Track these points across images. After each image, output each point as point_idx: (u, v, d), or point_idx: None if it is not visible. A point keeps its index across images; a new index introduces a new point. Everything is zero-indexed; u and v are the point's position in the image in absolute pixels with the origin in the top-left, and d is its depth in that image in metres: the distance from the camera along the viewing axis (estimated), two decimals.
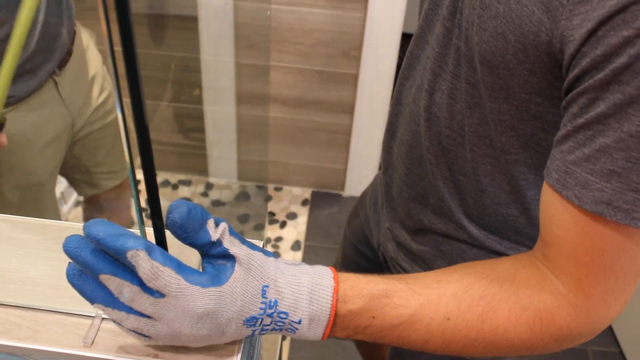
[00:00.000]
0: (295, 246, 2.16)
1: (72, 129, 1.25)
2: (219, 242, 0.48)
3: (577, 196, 0.51)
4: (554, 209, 0.54)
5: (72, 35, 1.16)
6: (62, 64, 1.14)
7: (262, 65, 2.06)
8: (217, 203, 2.29)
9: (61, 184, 2.13)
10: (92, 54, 1.27)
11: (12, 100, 1.07)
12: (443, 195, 0.75)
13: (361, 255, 1.03)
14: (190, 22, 1.96)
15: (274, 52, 2.02)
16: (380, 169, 0.91)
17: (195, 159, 2.30)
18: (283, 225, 2.25)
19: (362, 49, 1.97)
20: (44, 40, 1.06)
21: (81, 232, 0.46)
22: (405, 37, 1.96)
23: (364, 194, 1.06)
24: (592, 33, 0.47)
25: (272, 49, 2.01)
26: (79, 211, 2.19)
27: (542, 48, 0.53)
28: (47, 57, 1.10)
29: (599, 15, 0.46)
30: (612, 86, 0.47)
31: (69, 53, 1.15)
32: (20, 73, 1.05)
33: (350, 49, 1.99)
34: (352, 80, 2.06)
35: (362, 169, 2.29)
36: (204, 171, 2.30)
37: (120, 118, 0.43)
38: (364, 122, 2.15)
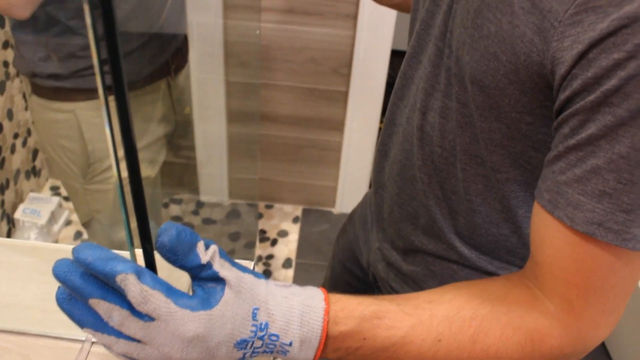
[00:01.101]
0: (287, 264, 2.15)
1: (169, 137, 1.28)
2: (208, 265, 0.48)
3: (569, 217, 0.51)
4: (545, 229, 0.54)
5: (186, 43, 1.18)
6: (178, 67, 1.16)
7: (253, 83, 2.06)
8: (207, 221, 2.28)
9: (51, 204, 2.12)
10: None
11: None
12: (434, 215, 0.75)
13: (350, 274, 1.03)
14: None
15: (264, 70, 2.02)
16: (370, 187, 0.91)
17: (185, 177, 2.30)
18: (274, 243, 2.24)
19: (351, 67, 1.98)
20: (169, 23, 1.09)
21: (71, 255, 0.45)
22: (395, 54, 1.98)
23: (353, 213, 1.06)
24: (583, 55, 0.48)
25: (262, 66, 2.02)
26: (70, 230, 2.18)
27: (534, 69, 0.53)
28: (165, 48, 1.12)
29: (590, 37, 0.47)
30: (602, 108, 0.47)
31: (184, 58, 1.17)
32: (139, 54, 1.08)
33: (340, 67, 2.00)
34: (342, 98, 2.07)
35: (353, 186, 2.29)
36: (194, 189, 2.29)
37: (110, 139, 0.43)
38: (354, 139, 2.15)
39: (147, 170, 1.29)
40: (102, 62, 0.40)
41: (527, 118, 0.58)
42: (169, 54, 1.17)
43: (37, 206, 2.10)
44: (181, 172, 1.59)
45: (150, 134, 1.23)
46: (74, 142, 1.22)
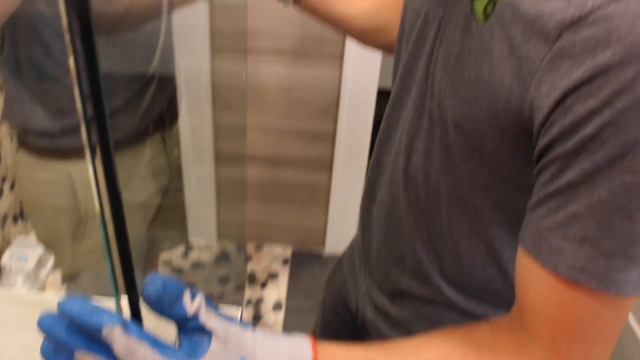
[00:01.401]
0: (277, 307, 2.13)
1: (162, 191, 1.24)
2: (195, 317, 0.48)
3: (552, 263, 0.51)
4: (530, 274, 0.54)
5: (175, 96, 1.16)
6: (172, 122, 1.13)
7: (240, 125, 2.07)
8: (196, 265, 2.26)
9: (39, 248, 2.10)
10: None
11: (118, 139, 1.06)
12: (421, 258, 0.75)
13: (340, 319, 1.02)
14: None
15: (252, 112, 2.04)
16: (358, 229, 0.92)
17: (174, 220, 2.29)
18: (264, 285, 2.23)
19: (338, 107, 2.00)
20: (160, 72, 1.06)
21: (56, 307, 0.45)
22: (381, 94, 2.00)
23: (342, 256, 1.06)
24: (559, 102, 0.49)
25: (249, 108, 2.03)
26: (57, 275, 2.16)
27: (513, 114, 0.54)
28: (159, 100, 1.09)
29: (566, 85, 0.48)
30: (581, 155, 0.48)
31: (177, 109, 1.14)
32: (129, 107, 1.05)
33: (327, 107, 2.02)
34: (330, 138, 2.08)
35: (342, 225, 2.29)
36: (183, 231, 2.28)
37: (95, 190, 0.43)
38: (342, 179, 2.16)
39: (139, 227, 1.25)
40: (88, 119, 0.40)
41: (509, 161, 0.59)
42: (162, 105, 1.15)
43: (24, 251, 2.08)
44: (170, 214, 1.58)
45: (143, 192, 1.20)
46: (65, 202, 1.16)
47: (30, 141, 1.12)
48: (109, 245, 0.47)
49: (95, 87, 0.38)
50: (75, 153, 1.11)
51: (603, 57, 0.46)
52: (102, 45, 0.37)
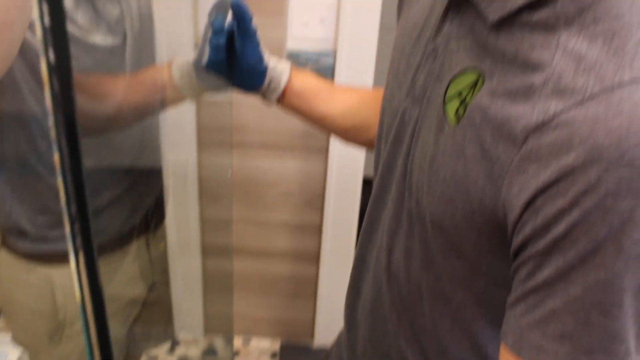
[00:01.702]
0: None
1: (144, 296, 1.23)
2: None
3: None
4: None
5: (162, 193, 1.16)
6: (159, 221, 1.13)
7: (226, 217, 2.08)
8: None
9: (18, 348, 2.06)
10: None
11: (103, 240, 1.06)
12: (406, 354, 0.75)
13: None
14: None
15: (238, 204, 2.05)
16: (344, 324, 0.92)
17: (160, 314, 2.26)
18: None
19: (324, 199, 2.02)
20: (148, 167, 1.06)
21: None
22: (367, 183, 2.02)
23: (329, 351, 1.05)
24: (530, 203, 0.50)
25: (236, 201, 2.05)
26: None
27: (488, 213, 0.56)
28: (146, 197, 1.08)
29: (535, 186, 0.50)
30: (554, 253, 0.49)
31: (163, 211, 1.14)
32: (116, 203, 1.05)
33: (313, 199, 2.04)
34: (316, 229, 2.09)
35: (330, 317, 2.27)
36: (169, 326, 2.25)
37: (78, 293, 0.44)
38: (330, 270, 2.16)
39: (122, 326, 1.23)
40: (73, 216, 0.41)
41: (488, 258, 0.60)
42: (150, 202, 1.15)
43: (4, 348, 2.04)
44: (155, 310, 1.56)
45: (127, 290, 1.19)
46: (44, 306, 1.13)
47: (11, 242, 1.10)
48: (92, 349, 0.47)
49: (79, 184, 0.39)
50: (56, 258, 1.10)
51: (567, 160, 0.48)
52: (88, 142, 0.39)
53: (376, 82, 1.68)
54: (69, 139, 0.39)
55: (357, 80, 1.72)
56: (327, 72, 1.73)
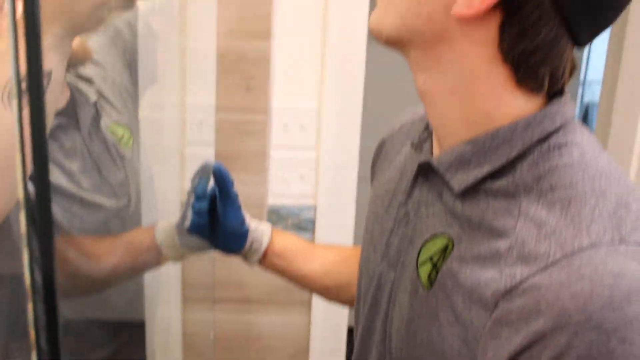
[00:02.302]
0: None
1: None
2: None
3: None
4: None
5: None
6: None
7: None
8: None
9: None
10: None
11: None
12: None
13: None
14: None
15: (221, 359, 2.02)
16: None
17: None
18: None
19: (308, 352, 1.99)
20: (130, 321, 1.07)
21: None
22: (352, 332, 2.00)
23: None
24: None
25: (218, 355, 2.01)
26: None
27: None
28: (128, 353, 1.08)
29: (508, 351, 0.52)
30: None
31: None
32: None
33: (297, 353, 2.01)
34: None
35: None
36: None
37: None
38: None
39: None
40: None
41: None
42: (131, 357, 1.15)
43: None
44: None
45: None
46: None
47: None
48: None
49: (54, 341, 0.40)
50: None
51: (537, 325, 0.50)
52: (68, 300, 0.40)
53: (356, 234, 1.72)
54: (46, 300, 0.40)
55: (337, 234, 1.76)
56: (307, 226, 1.77)
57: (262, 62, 1.43)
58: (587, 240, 0.52)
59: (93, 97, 1.11)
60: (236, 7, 1.40)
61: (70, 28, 0.73)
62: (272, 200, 1.75)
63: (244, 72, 1.44)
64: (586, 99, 4.06)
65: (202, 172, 0.98)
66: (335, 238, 1.74)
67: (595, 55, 3.68)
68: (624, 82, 1.67)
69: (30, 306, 0.41)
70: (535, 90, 0.60)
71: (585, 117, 3.94)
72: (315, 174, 1.69)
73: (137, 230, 1.12)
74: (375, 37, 0.65)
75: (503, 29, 0.56)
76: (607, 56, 1.81)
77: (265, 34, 1.42)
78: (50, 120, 0.90)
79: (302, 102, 1.54)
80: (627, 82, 1.65)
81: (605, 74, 1.84)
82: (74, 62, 1.05)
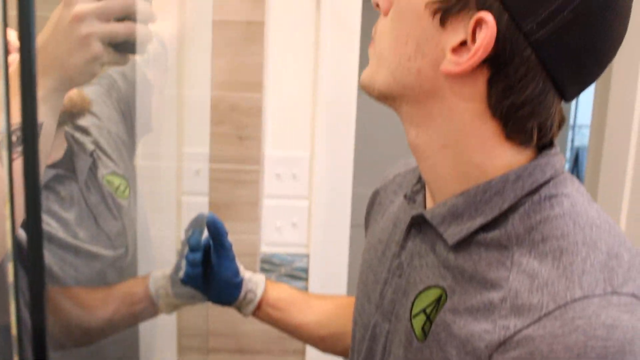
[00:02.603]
0: None
1: None
2: None
3: None
4: None
5: None
6: None
7: None
8: None
9: None
10: None
11: None
12: None
13: None
14: None
15: None
16: None
17: None
18: None
19: None
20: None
21: None
22: None
23: None
24: None
25: None
26: None
27: None
28: None
29: None
30: None
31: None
32: None
33: None
34: None
35: None
36: None
37: None
38: None
39: None
40: None
41: None
42: None
43: None
44: None
45: None
46: None
47: None
48: None
49: None
50: None
51: None
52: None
53: (350, 283, 1.71)
54: (36, 351, 0.40)
55: (331, 282, 1.75)
56: (301, 274, 1.77)
57: (255, 111, 1.45)
58: (580, 292, 0.52)
59: (90, 147, 1.12)
60: (229, 58, 1.42)
61: (62, 81, 0.73)
62: (265, 248, 1.75)
63: (236, 122, 1.46)
64: (577, 143, 4.10)
65: (196, 223, 0.98)
66: (329, 286, 1.73)
67: (584, 99, 3.74)
68: (612, 126, 1.69)
69: (16, 358, 0.41)
70: (524, 143, 0.61)
71: (576, 160, 3.98)
72: (307, 222, 1.70)
73: (131, 281, 1.12)
74: (368, 93, 0.66)
75: (490, 84, 0.58)
76: (594, 101, 1.84)
77: (257, 85, 1.44)
78: (40, 172, 0.90)
79: (295, 151, 1.55)
80: (615, 127, 1.67)
81: (593, 119, 1.87)
82: (72, 113, 1.07)
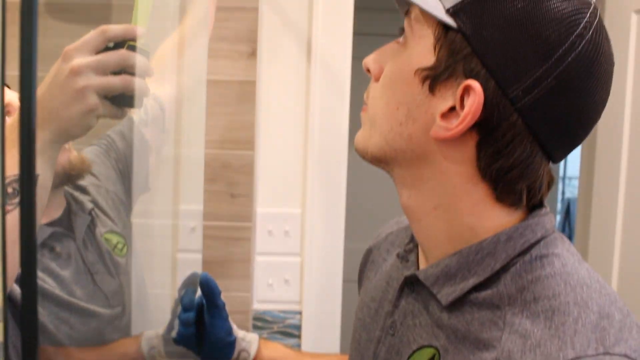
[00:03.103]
0: None
1: None
2: None
3: None
4: None
5: None
6: None
7: None
8: None
9: None
10: None
11: None
12: None
13: None
14: None
15: None
16: None
17: None
18: None
19: None
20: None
21: None
22: None
23: None
24: None
25: None
26: None
27: None
28: None
29: None
30: None
31: None
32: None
33: None
34: None
35: None
36: None
37: None
38: None
39: None
40: None
41: None
42: None
43: None
44: None
45: None
46: None
47: None
48: None
49: None
50: None
51: None
52: None
53: (343, 340, 1.70)
54: None
55: (323, 339, 1.74)
56: (293, 331, 1.75)
57: (247, 169, 1.46)
58: (572, 352, 0.52)
59: (89, 205, 1.13)
60: (222, 116, 1.44)
61: (59, 133, 0.74)
62: (258, 305, 1.74)
63: (229, 180, 1.47)
64: (567, 194, 4.14)
65: (189, 283, 0.98)
66: (322, 343, 1.72)
67: (573, 152, 3.78)
68: (600, 178, 1.71)
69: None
70: (514, 204, 0.62)
71: (567, 211, 4.01)
72: (300, 279, 1.69)
73: (124, 341, 1.11)
74: (361, 156, 0.68)
75: (480, 148, 0.59)
76: (582, 154, 1.87)
77: (249, 142, 1.45)
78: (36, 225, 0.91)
79: (286, 208, 1.56)
80: (603, 179, 1.69)
81: (581, 172, 1.89)
82: (72, 175, 1.07)
